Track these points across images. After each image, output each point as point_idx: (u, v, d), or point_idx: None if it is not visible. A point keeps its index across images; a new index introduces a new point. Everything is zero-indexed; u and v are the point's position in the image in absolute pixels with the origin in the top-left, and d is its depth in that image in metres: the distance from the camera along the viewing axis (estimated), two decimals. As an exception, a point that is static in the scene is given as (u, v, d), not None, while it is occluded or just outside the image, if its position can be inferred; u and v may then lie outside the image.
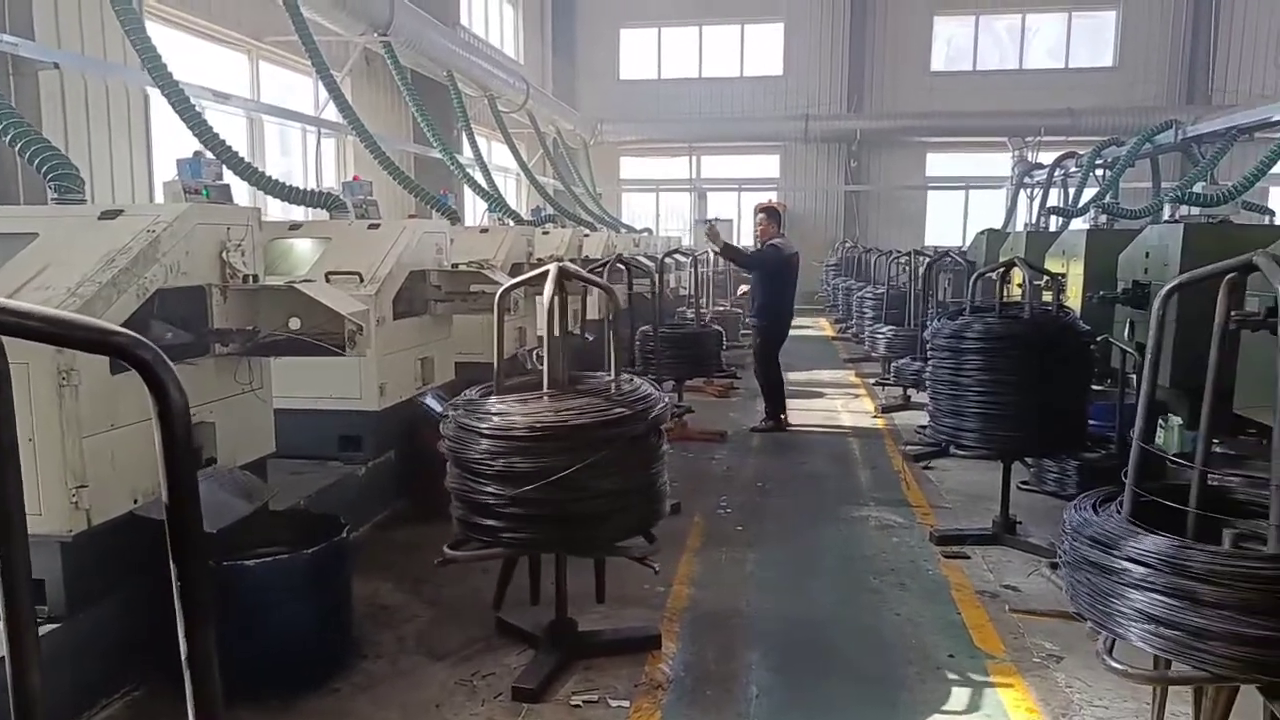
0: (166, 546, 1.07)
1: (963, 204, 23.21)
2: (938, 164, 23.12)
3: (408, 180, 8.60)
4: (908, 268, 10.34)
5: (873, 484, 6.45)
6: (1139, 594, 2.33)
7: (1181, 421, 6.21)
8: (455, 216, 7.98)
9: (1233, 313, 4.98)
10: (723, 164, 24.03)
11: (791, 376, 11.34)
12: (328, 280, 4.86)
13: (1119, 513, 2.57)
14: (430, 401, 5.49)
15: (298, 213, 8.18)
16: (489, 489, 3.24)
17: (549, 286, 3.33)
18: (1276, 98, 11.42)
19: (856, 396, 10.02)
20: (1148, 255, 6.46)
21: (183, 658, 1.06)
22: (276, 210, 8.88)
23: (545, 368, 3.42)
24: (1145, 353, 2.73)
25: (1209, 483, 2.70)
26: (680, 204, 24.82)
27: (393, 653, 3.71)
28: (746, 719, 3.22)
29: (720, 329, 8.24)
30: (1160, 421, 6.32)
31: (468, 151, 12.65)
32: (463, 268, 5.96)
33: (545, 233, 9.55)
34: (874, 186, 23.12)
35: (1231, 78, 20.26)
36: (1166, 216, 8.36)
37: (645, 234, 17.49)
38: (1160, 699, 2.71)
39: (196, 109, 5.99)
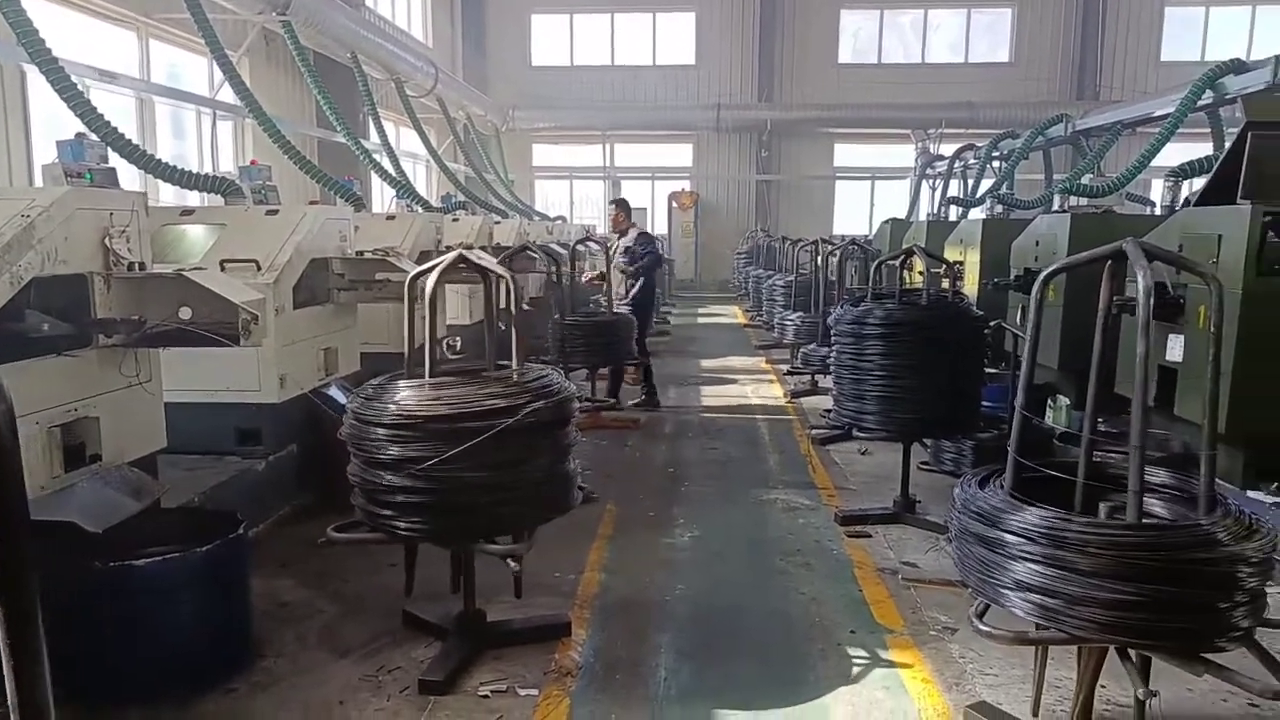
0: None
1: (869, 194, 23.83)
2: (845, 154, 23.65)
3: (309, 165, 8.34)
4: (815, 256, 10.55)
5: (781, 467, 6.58)
6: (1018, 564, 2.45)
7: (1069, 402, 6.54)
8: (360, 203, 7.78)
9: (1114, 298, 5.26)
10: (636, 152, 24.06)
11: (704, 364, 11.52)
12: (222, 268, 4.69)
13: (1003, 488, 2.69)
14: (334, 393, 5.35)
15: (193, 199, 7.85)
16: (379, 476, 3.19)
17: (433, 276, 3.28)
18: (1156, 94, 12.02)
19: (767, 382, 10.20)
20: (1038, 244, 6.76)
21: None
22: (169, 196, 8.50)
23: (415, 356, 3.38)
24: (1025, 333, 2.85)
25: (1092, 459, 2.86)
26: (595, 192, 24.76)
27: (294, 651, 3.61)
28: (654, 702, 3.25)
29: (633, 317, 8.23)
30: (1049, 402, 6.64)
31: (374, 136, 12.35)
32: (368, 255, 5.82)
33: (455, 220, 9.40)
34: (784, 176, 23.51)
35: (1117, 75, 21.33)
36: (1056, 207, 8.74)
37: (559, 221, 17.42)
38: (1040, 663, 2.86)
39: (79, 88, 5.68)
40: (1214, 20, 21.51)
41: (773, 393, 9.54)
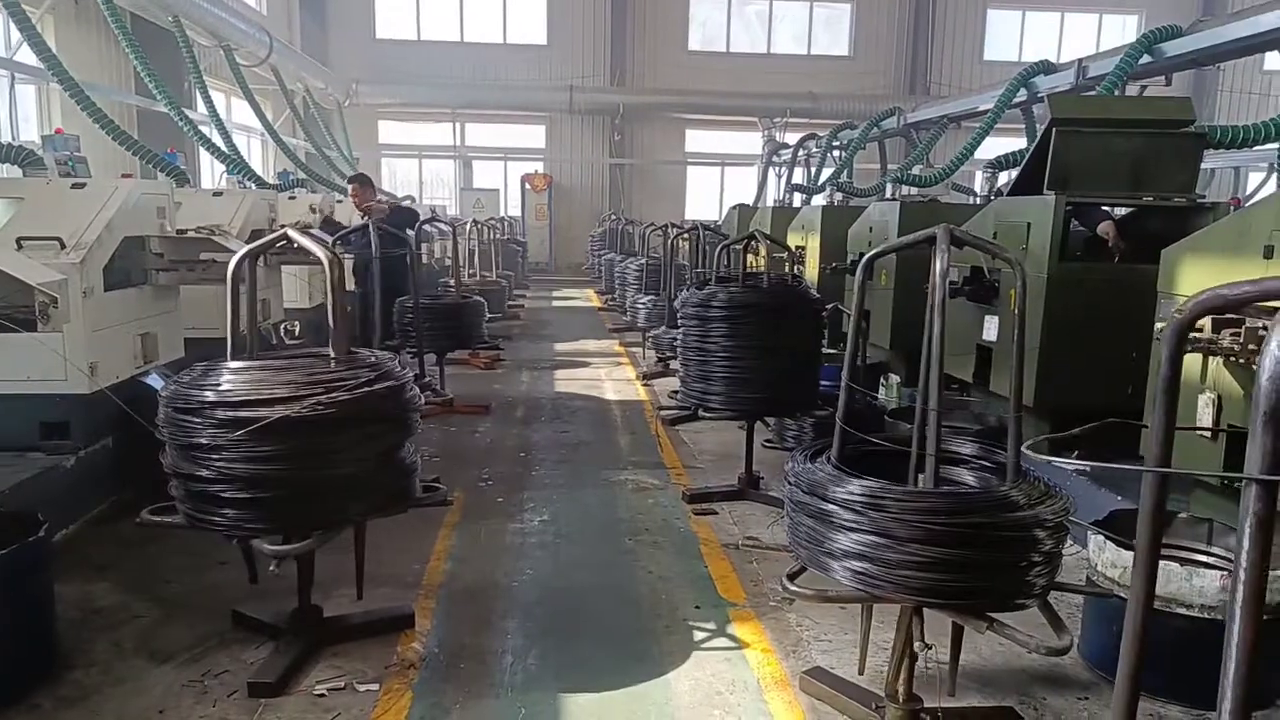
0: None
1: (719, 179, 24.38)
2: (696, 140, 24.07)
3: (124, 136, 7.70)
4: (665, 240, 10.69)
5: (632, 448, 6.65)
6: (839, 534, 2.58)
7: (900, 379, 6.92)
8: (184, 177, 7.25)
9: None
10: (488, 132, 23.61)
11: (559, 347, 11.49)
12: (19, 246, 4.27)
13: (831, 462, 2.81)
14: (154, 381, 4.98)
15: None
16: (185, 465, 3.01)
17: (234, 260, 3.10)
18: (979, 91, 12.86)
19: (620, 365, 10.27)
20: (871, 230, 7.10)
21: None
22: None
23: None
24: (851, 312, 2.98)
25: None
26: (445, 171, 24.15)
27: (108, 660, 3.35)
28: (501, 688, 3.22)
29: (483, 300, 8.09)
30: (882, 380, 7.01)
31: (202, 108, 11.53)
32: (191, 234, 5.44)
33: (292, 198, 8.94)
34: (637, 160, 23.68)
35: (945, 72, 22.68)
36: (888, 195, 9.20)
37: (407, 201, 16.85)
38: (865, 626, 3.01)
39: None
40: (1030, 23, 23.22)
41: (626, 375, 9.63)
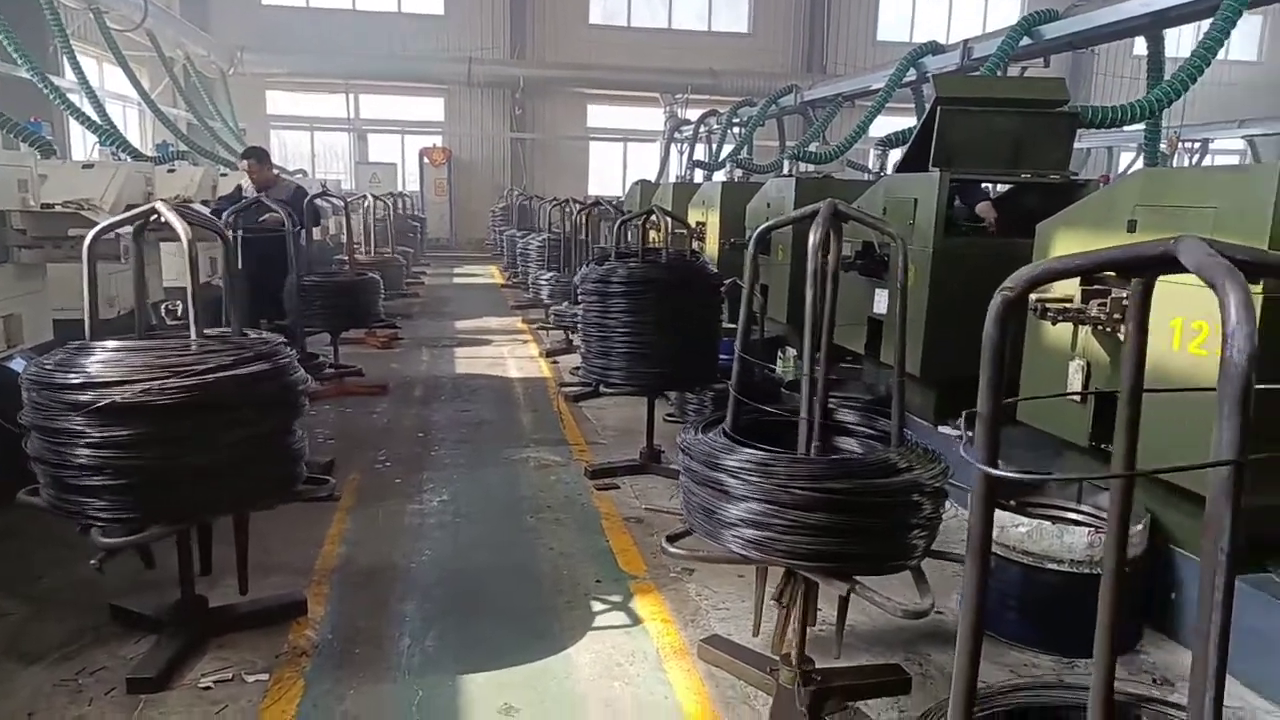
0: None
1: (622, 155, 24.33)
2: (598, 115, 23.94)
3: (-20, 103, 7.15)
4: (567, 216, 10.62)
5: (534, 426, 6.61)
6: (731, 504, 2.63)
7: (796, 353, 7.07)
8: (49, 148, 6.79)
9: (828, 255, 5.67)
10: (384, 105, 22.93)
11: (460, 325, 11.31)
12: None
13: (725, 433, 2.86)
14: (18, 365, 4.67)
15: None
16: (49, 452, 2.85)
17: (184, 230, 2.94)
18: (872, 70, 13.15)
19: (523, 342, 10.19)
20: (769, 206, 7.20)
21: None
22: None
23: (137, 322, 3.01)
24: (744, 284, 3.02)
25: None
26: (339, 145, 23.36)
27: (-31, 663, 3.15)
28: (398, 671, 3.17)
29: (378, 276, 7.87)
30: (779, 354, 7.15)
31: (70, 75, 10.81)
32: (58, 209, 5.11)
33: (171, 171, 8.48)
34: (539, 135, 23.42)
35: (841, 51, 23.14)
36: (785, 171, 9.36)
37: (299, 175, 16.25)
38: (759, 593, 3.08)
39: None
40: (920, 5, 23.89)
41: (529, 352, 9.55)
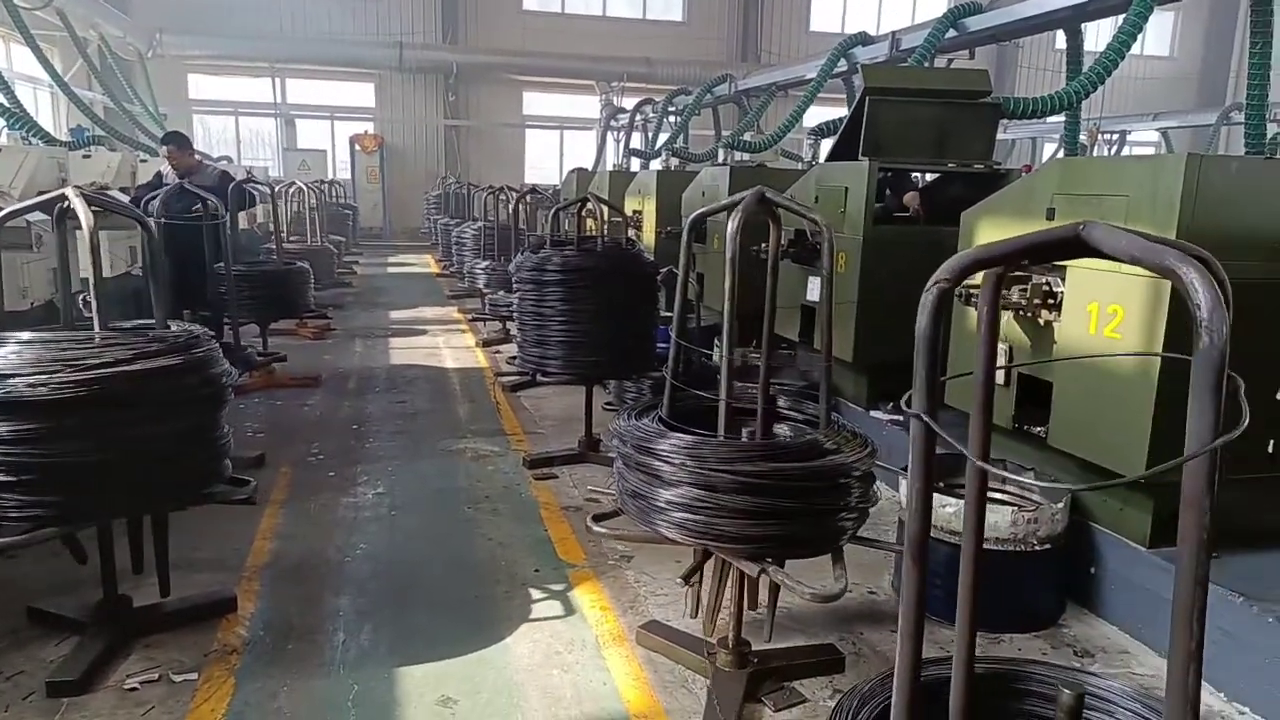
0: None
1: (559, 143, 24.17)
2: (534, 103, 23.73)
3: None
4: (503, 204, 10.52)
5: (471, 416, 6.56)
6: (663, 488, 2.66)
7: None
8: (-49, 132, 6.46)
9: (762, 244, 5.72)
10: (313, 89, 22.35)
11: (395, 315, 11.14)
12: None
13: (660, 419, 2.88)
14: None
15: None
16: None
17: (83, 214, 2.82)
18: (805, 60, 13.29)
19: (459, 332, 10.08)
20: (704, 194, 7.25)
21: None
22: None
23: (63, 311, 2.89)
24: (679, 271, 3.04)
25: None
26: (266, 130, 22.71)
27: (-124, 671, 3.01)
28: (332, 666, 3.12)
29: (307, 266, 7.70)
30: (716, 341, 7.19)
31: (-26, 54, 10.28)
32: (-39, 195, 4.87)
33: (87, 156, 8.14)
34: (474, 122, 23.11)
35: (776, 40, 23.33)
36: (720, 160, 9.42)
37: (224, 162, 15.74)
38: (699, 575, 3.11)
39: None
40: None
41: (465, 342, 9.46)
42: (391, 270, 16.45)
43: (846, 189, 5.25)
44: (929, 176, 6.33)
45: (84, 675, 2.93)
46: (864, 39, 9.68)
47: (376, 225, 22.10)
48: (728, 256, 2.76)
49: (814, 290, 5.51)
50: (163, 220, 5.73)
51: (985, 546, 3.39)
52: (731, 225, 2.73)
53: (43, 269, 6.13)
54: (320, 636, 3.32)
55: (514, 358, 6.24)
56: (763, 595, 3.23)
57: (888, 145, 5.28)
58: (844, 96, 11.74)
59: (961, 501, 3.47)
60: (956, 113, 5.48)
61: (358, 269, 15.60)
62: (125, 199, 5.22)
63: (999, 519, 3.41)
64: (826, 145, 7.91)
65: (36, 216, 5.22)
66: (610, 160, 15.68)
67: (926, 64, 8.23)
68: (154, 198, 6.21)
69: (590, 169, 13.58)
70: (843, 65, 9.80)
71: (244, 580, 3.74)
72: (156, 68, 18.43)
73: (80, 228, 2.85)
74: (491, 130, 23.35)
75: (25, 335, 2.82)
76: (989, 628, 3.48)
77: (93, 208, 2.98)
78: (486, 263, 9.87)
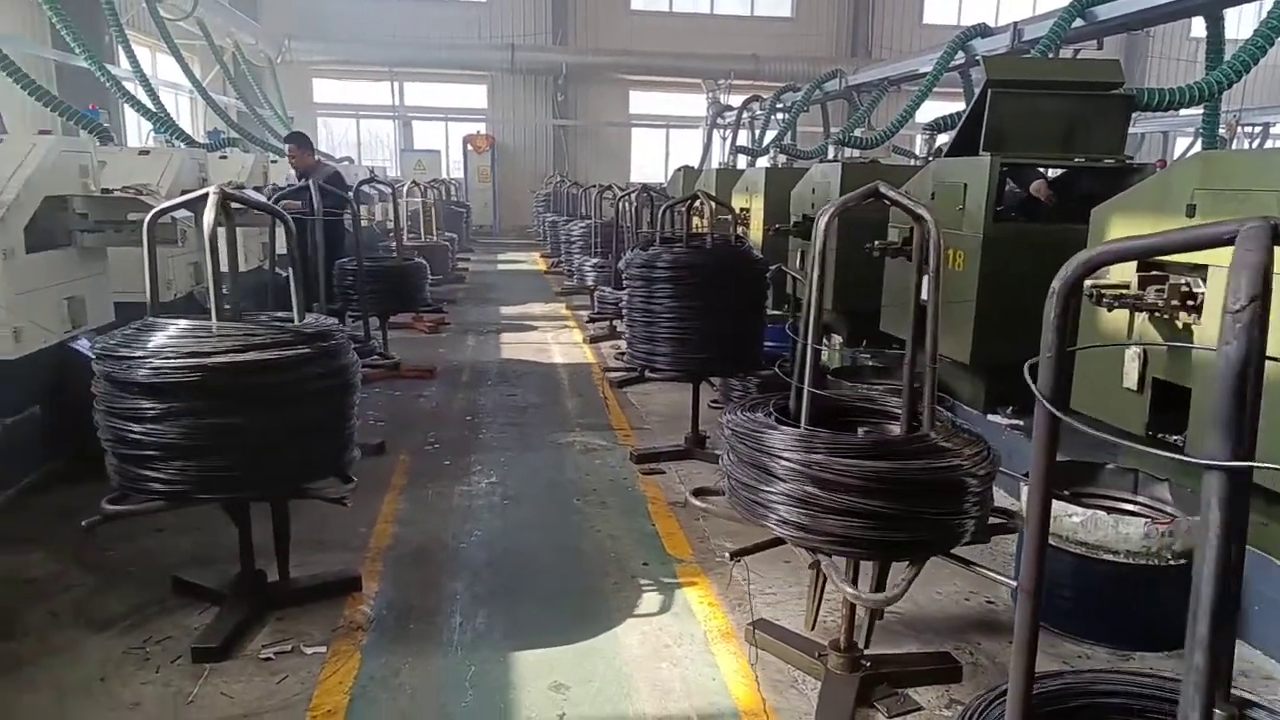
0: None
1: (665, 141, 24.26)
2: (640, 102, 23.89)
3: (41, 91, 7.33)
4: (611, 202, 10.63)
5: (579, 410, 6.66)
6: (776, 483, 2.64)
7: (842, 339, 7.04)
8: (107, 135, 6.96)
9: (876, 241, 5.64)
10: (428, 92, 23.11)
11: (504, 310, 11.41)
12: (-70, 206, 4.07)
13: (769, 414, 2.87)
14: (82, 346, 4.82)
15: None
16: (126, 430, 2.93)
17: (210, 212, 3.00)
18: (919, 54, 12.95)
19: (567, 328, 10.24)
20: (814, 191, 7.15)
21: None
22: None
23: (212, 302, 3.08)
24: (809, 267, 3.01)
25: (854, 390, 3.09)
26: (385, 132, 23.60)
27: (44, 629, 3.28)
28: (449, 647, 3.23)
29: (424, 262, 7.96)
30: (825, 340, 7.10)
31: (125, 63, 11.04)
32: (117, 193, 5.24)
33: (223, 157, 8.64)
34: (581, 121, 23.43)
35: (887, 34, 22.79)
36: (830, 157, 9.27)
37: (345, 163, 16.47)
38: (816, 579, 3.08)
39: None
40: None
41: (572, 338, 9.61)
42: (501, 267, 16.85)
43: (965, 185, 5.09)
44: (1053, 172, 6.07)
45: (224, 643, 3.12)
46: (983, 30, 9.35)
47: (487, 223, 22.68)
48: (816, 249, 2.73)
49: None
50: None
51: (1115, 559, 3.26)
52: (821, 222, 2.70)
53: (183, 263, 6.56)
54: (439, 618, 3.44)
55: (622, 353, 6.32)
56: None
57: (1010, 140, 5.10)
58: (959, 91, 11.40)
59: (1090, 511, 3.34)
60: (1085, 105, 5.24)
61: (469, 265, 16.04)
62: (261, 198, 5.51)
63: (1131, 531, 3.25)
64: (941, 141, 7.70)
65: (179, 213, 5.58)
66: (716, 158, 15.62)
67: (1051, 55, 7.89)
68: (280, 196, 6.54)
69: (696, 167, 13.57)
70: (960, 58, 9.50)
71: (367, 561, 3.91)
72: (284, 73, 19.42)
73: (226, 224, 3.03)
74: (598, 129, 23.62)
75: (182, 323, 3.02)
76: (1117, 644, 3.32)
77: (236, 205, 3.19)
78: (595, 260, 9.99)
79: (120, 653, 3.13)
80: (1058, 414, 1.37)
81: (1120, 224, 3.95)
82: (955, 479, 2.59)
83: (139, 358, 2.89)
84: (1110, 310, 3.68)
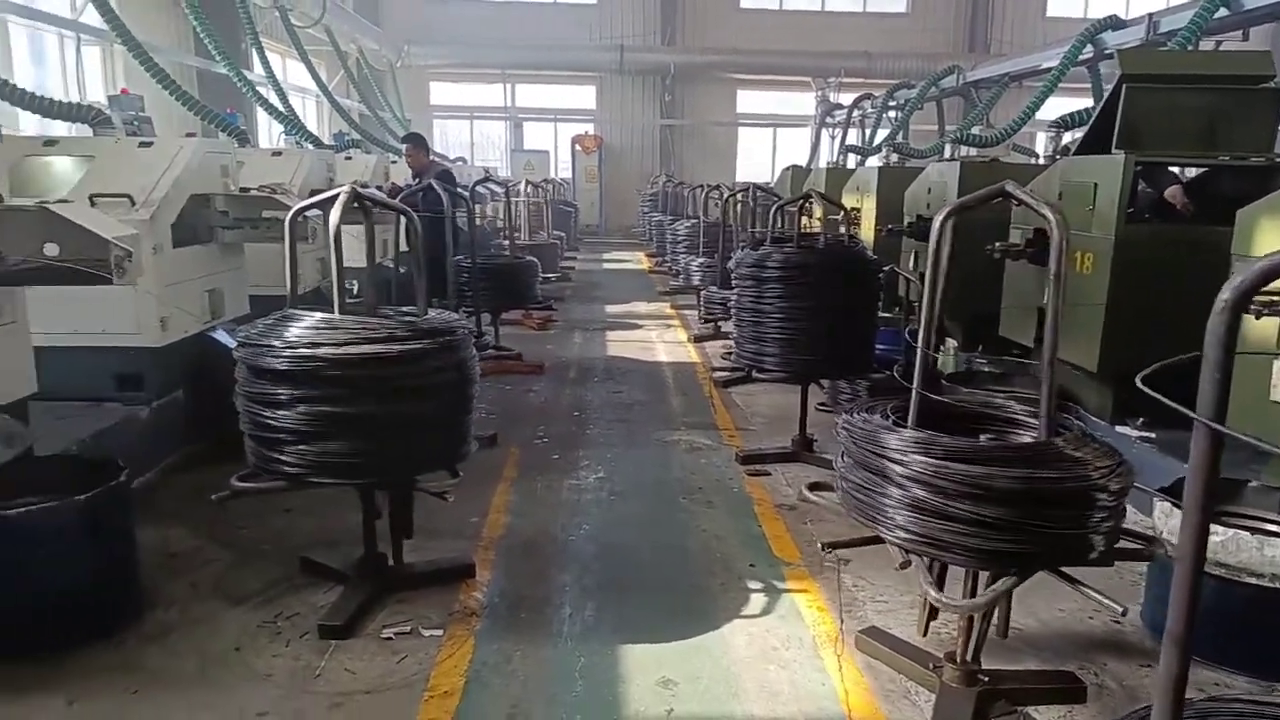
0: None
1: (771, 141, 24.04)
2: (748, 101, 23.73)
3: (186, 96, 7.83)
4: (718, 201, 10.60)
5: (685, 409, 6.67)
6: (894, 487, 2.58)
7: (956, 344, 6.82)
8: (244, 137, 7.37)
9: (996, 244, 5.44)
10: (539, 93, 23.54)
11: (610, 309, 11.53)
12: (92, 203, 4.39)
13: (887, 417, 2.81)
14: (221, 336, 5.12)
15: (60, 129, 7.27)
16: (268, 416, 3.10)
17: (337, 209, 3.14)
18: (1042, 48, 12.44)
19: (671, 327, 10.28)
20: (930, 191, 6.96)
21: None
22: (32, 126, 7.88)
23: (334, 296, 3.22)
24: (927, 269, 2.94)
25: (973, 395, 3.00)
26: (497, 133, 24.17)
27: (186, 600, 3.50)
28: (559, 637, 3.30)
29: (536, 260, 8.14)
30: (943, 346, 6.90)
31: (258, 69, 11.68)
32: (254, 192, 5.55)
33: (348, 158, 9.04)
34: (688, 121, 23.44)
35: (1007, 29, 21.96)
36: (947, 156, 9.00)
37: (459, 163, 16.95)
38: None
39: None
40: (1096, -22, 22.32)
41: (677, 337, 9.63)
42: (607, 266, 17.03)
43: (1096, 185, 4.86)
44: (1190, 171, 5.73)
45: (348, 621, 3.27)
46: (1115, 23, 8.92)
47: (593, 222, 22.95)
48: (932, 250, 2.65)
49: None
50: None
51: (1259, 583, 3.06)
52: (937, 221, 2.62)
53: (311, 259, 6.88)
54: (549, 608, 3.51)
55: (730, 353, 6.29)
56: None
57: (1147, 137, 4.83)
58: (1083, 86, 10.89)
59: (1231, 531, 3.14)
60: (1229, 100, 4.93)
61: (576, 264, 16.28)
62: (383, 196, 5.74)
63: (1277, 553, 3.04)
64: (1067, 139, 7.36)
65: (310, 211, 5.87)
66: (823, 157, 15.39)
67: (1190, 48, 7.46)
68: (404, 195, 6.81)
69: (805, 166, 13.40)
70: (1088, 52, 9.08)
71: (480, 550, 4.03)
72: (403, 77, 20.14)
73: (365, 220, 3.17)
74: (705, 129, 23.59)
75: (315, 316, 3.17)
76: (1260, 673, 3.12)
77: (367, 204, 3.33)
78: (702, 259, 9.99)
79: (254, 626, 3.31)
80: (1221, 429, 1.29)
81: (1272, 227, 3.70)
82: (1083, 491, 2.48)
83: (273, 347, 3.07)
84: (1259, 318, 3.45)
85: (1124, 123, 4.87)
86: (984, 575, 2.84)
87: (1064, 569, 2.62)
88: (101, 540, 3.18)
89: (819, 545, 3.18)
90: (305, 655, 3.12)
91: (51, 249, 3.30)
